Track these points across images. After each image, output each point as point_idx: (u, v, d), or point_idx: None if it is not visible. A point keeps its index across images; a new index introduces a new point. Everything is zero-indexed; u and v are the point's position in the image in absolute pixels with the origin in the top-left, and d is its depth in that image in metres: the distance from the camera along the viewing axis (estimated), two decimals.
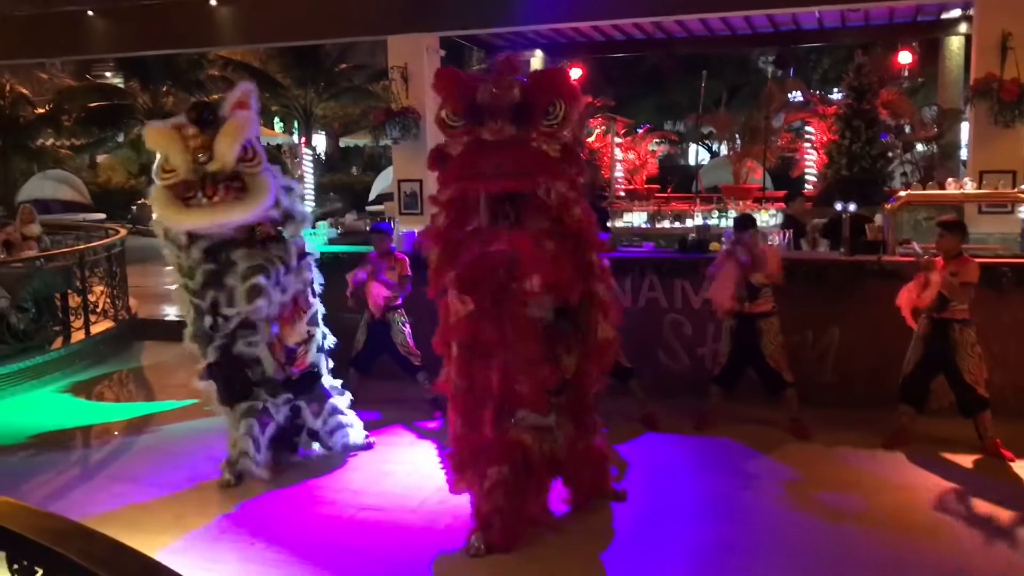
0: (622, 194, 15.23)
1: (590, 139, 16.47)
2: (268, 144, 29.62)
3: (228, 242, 5.92)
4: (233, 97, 6.02)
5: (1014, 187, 9.27)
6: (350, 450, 6.60)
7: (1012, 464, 6.23)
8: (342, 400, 6.70)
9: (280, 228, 6.15)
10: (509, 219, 4.73)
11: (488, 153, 4.62)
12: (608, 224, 9.80)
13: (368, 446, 6.72)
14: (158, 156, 5.83)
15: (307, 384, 6.48)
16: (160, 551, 4.99)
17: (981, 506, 5.57)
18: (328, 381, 6.72)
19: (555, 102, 4.74)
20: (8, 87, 22.82)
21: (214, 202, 5.60)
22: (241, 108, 5.94)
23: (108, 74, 29.08)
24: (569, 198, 4.83)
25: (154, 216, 5.99)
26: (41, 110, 24.13)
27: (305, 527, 5.39)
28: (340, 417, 6.60)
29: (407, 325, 7.70)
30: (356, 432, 6.70)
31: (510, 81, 4.69)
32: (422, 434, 7.19)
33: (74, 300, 10.16)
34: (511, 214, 4.73)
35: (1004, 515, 5.42)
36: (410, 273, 7.67)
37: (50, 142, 25.33)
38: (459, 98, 4.73)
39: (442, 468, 5.43)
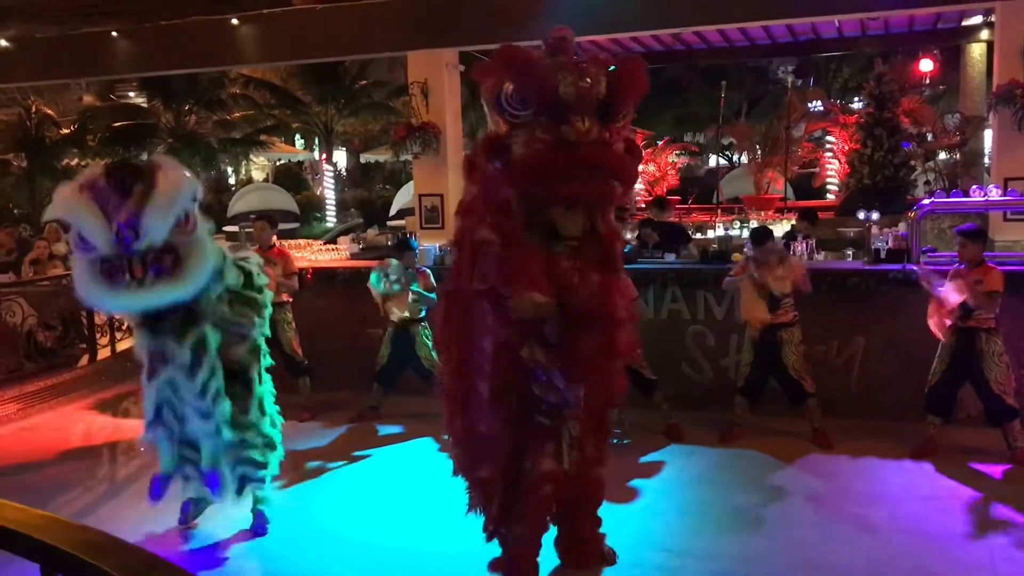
0: (643, 206, 15.20)
1: None
2: (289, 161, 29.93)
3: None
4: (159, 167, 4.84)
5: None
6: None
7: None
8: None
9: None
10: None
11: (574, 155, 3.89)
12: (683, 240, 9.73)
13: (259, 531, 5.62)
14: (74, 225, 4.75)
15: None
16: (188, 567, 5.02)
17: (1011, 516, 5.50)
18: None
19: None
20: (34, 108, 23.11)
21: (143, 285, 4.64)
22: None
23: (132, 94, 29.39)
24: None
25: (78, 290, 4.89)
26: (66, 131, 24.40)
27: (332, 535, 5.41)
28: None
29: (431, 339, 7.73)
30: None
31: (598, 73, 3.97)
32: (447, 448, 7.19)
33: (100, 318, 10.26)
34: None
35: None
36: (435, 285, 7.70)
37: (75, 162, 25.60)
38: (537, 87, 3.93)
39: None
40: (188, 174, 4.92)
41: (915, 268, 6.81)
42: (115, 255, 4.57)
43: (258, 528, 5.59)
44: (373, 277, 7.69)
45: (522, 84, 3.93)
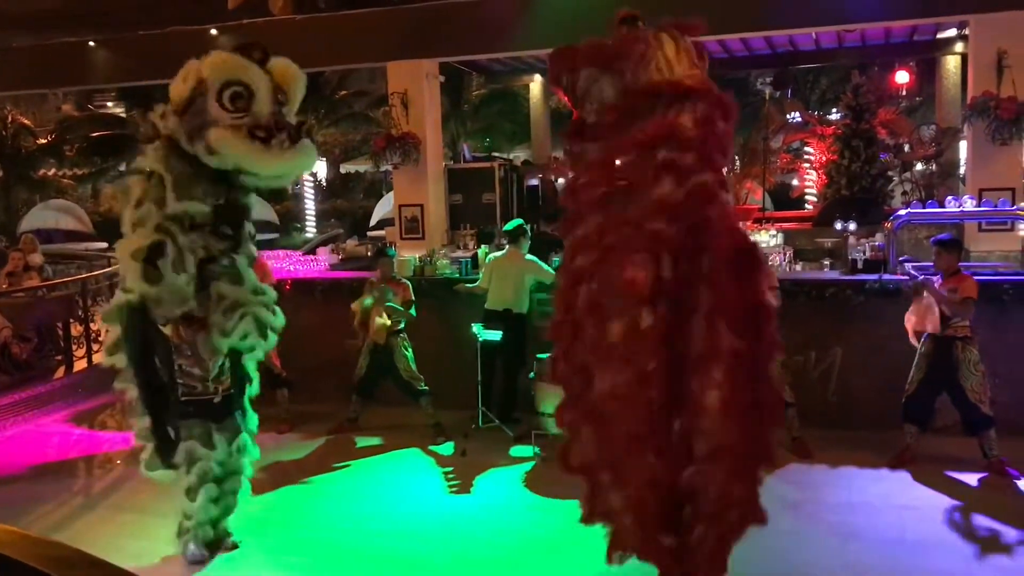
0: None
1: None
2: None
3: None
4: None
5: (1013, 204, 9.27)
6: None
7: (1018, 482, 6.22)
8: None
9: None
10: None
11: None
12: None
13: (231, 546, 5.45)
14: (216, 92, 4.87)
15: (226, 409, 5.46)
16: None
17: (987, 524, 5.54)
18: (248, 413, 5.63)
19: None
20: (10, 118, 22.93)
21: (295, 148, 4.95)
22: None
23: (110, 104, 29.20)
24: None
25: (222, 152, 4.82)
26: (43, 140, 24.22)
27: (310, 547, 5.37)
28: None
29: (409, 349, 7.71)
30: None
31: None
32: (425, 458, 7.17)
33: (76, 329, 10.17)
34: None
35: (1010, 533, 5.40)
36: (413, 298, 7.69)
37: (52, 172, 25.42)
38: None
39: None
40: None
41: (917, 275, 6.77)
42: (269, 118, 4.84)
43: (224, 541, 5.48)
44: (367, 301, 7.61)
45: None
